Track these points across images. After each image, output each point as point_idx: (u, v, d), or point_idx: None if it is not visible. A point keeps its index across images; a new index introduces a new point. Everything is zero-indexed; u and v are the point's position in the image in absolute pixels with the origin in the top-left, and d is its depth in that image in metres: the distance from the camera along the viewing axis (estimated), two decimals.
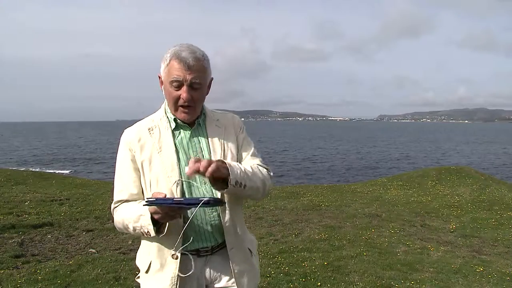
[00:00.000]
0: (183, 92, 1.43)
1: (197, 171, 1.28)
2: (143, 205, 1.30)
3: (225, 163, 1.37)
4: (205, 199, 1.24)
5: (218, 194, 1.47)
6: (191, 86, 1.44)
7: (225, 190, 1.39)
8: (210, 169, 1.28)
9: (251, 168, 1.51)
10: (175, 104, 1.47)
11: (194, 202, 1.25)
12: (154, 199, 1.27)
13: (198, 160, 1.30)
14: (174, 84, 1.44)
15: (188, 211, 1.44)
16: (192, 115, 1.50)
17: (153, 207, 1.30)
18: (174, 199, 1.26)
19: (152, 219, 1.34)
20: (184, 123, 1.53)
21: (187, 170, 1.29)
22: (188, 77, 1.42)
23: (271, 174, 1.61)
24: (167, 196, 1.29)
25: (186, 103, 1.45)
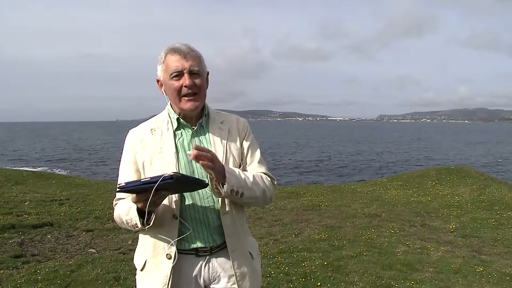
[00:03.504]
0: (185, 80, 1.44)
1: (198, 158, 1.28)
2: (116, 191, 1.33)
3: (225, 171, 1.38)
4: (168, 174, 1.19)
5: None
6: (191, 73, 1.45)
7: (220, 196, 1.43)
8: (206, 164, 1.30)
9: (254, 177, 1.50)
10: (179, 95, 1.46)
11: (159, 179, 1.20)
12: (124, 183, 1.29)
13: (203, 150, 1.30)
14: (174, 75, 1.44)
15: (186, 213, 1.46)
16: (197, 103, 1.48)
17: (134, 196, 1.31)
18: (142, 179, 1.26)
19: (140, 211, 1.34)
20: (187, 122, 1.53)
21: (190, 153, 1.29)
22: (186, 64, 1.44)
23: (275, 183, 1.61)
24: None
25: (189, 90, 1.45)
